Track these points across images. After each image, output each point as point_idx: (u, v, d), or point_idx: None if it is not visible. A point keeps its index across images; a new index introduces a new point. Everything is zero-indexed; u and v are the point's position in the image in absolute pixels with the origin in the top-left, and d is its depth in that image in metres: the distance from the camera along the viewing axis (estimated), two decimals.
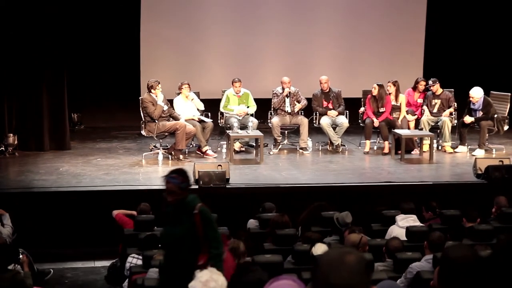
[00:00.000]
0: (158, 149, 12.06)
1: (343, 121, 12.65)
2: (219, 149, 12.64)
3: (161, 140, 12.07)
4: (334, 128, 12.62)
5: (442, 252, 3.29)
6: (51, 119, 12.47)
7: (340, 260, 2.41)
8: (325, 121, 12.59)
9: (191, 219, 5.57)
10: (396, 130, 12.26)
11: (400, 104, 12.85)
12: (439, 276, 3.19)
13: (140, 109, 12.02)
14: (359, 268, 2.40)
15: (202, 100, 12.72)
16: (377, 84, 12.65)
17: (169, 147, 12.10)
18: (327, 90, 12.92)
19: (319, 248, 6.69)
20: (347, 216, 8.04)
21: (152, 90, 11.89)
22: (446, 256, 3.20)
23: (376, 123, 12.53)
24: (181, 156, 11.75)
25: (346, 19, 15.90)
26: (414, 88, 13.23)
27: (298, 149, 12.74)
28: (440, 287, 3.17)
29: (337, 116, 12.74)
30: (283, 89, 12.70)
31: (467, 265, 3.12)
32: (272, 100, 12.89)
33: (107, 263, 8.84)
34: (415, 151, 12.53)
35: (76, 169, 11.13)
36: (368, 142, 12.69)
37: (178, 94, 12.44)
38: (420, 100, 13.13)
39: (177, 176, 5.68)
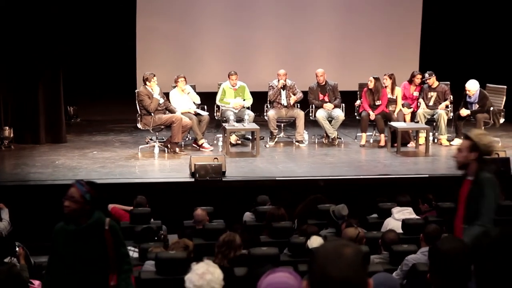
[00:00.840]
0: (154, 142, 12.05)
1: (339, 114, 12.66)
2: (215, 142, 12.64)
3: (157, 133, 12.06)
4: (330, 121, 12.63)
5: (434, 245, 3.30)
6: (47, 112, 12.45)
7: (337, 253, 2.41)
8: (320, 114, 12.59)
9: (100, 237, 4.98)
10: (392, 123, 12.27)
11: (396, 97, 12.86)
12: (430, 268, 3.20)
13: (136, 102, 12.01)
14: (357, 261, 2.40)
15: (198, 93, 12.72)
16: (373, 77, 12.66)
17: (165, 140, 12.10)
18: (323, 83, 12.92)
19: (315, 241, 6.70)
20: (343, 209, 8.06)
21: (147, 83, 11.88)
22: (437, 248, 3.22)
23: (372, 116, 12.54)
24: (177, 149, 11.75)
25: (343, 12, 15.90)
26: (410, 81, 13.24)
27: (294, 142, 12.74)
28: (431, 278, 3.18)
29: (333, 109, 12.75)
30: (279, 81, 12.70)
31: (457, 257, 3.13)
32: (268, 93, 12.89)
33: None
34: (411, 144, 12.54)
35: (72, 162, 11.12)
36: (364, 135, 12.69)
37: (174, 87, 12.43)
38: (416, 93, 13.13)
39: (85, 184, 5.03)
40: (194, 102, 12.45)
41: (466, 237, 5.58)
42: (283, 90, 12.71)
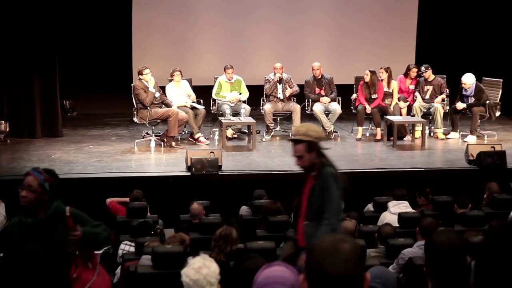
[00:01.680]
0: (151, 136, 12.04)
1: (336, 107, 12.65)
2: (211, 136, 12.63)
3: (153, 127, 12.05)
4: (326, 115, 12.62)
5: (429, 237, 3.31)
6: (43, 106, 12.43)
7: (334, 248, 2.41)
8: (318, 108, 12.58)
9: (62, 226, 4.58)
10: (388, 117, 12.27)
11: (392, 90, 12.86)
12: (425, 261, 3.21)
13: (132, 96, 12.00)
14: (353, 257, 2.40)
15: (194, 87, 12.74)
16: (369, 71, 12.64)
17: (161, 134, 12.09)
18: (319, 77, 12.91)
19: None
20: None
21: (140, 76, 11.88)
22: (432, 241, 3.22)
23: (369, 109, 12.54)
24: (173, 143, 11.75)
25: (339, 5, 15.87)
26: (406, 74, 13.23)
27: (290, 135, 12.73)
28: (427, 271, 3.18)
29: (329, 102, 12.74)
30: (275, 75, 12.69)
31: (452, 249, 3.13)
32: (264, 86, 12.88)
33: (99, 250, 8.82)
34: (407, 138, 12.55)
35: (68, 156, 11.11)
36: (360, 128, 12.69)
37: (170, 81, 12.42)
38: (412, 87, 13.13)
39: (43, 172, 4.63)
40: (189, 96, 12.45)
41: (307, 234, 5.37)
42: (280, 84, 12.71)
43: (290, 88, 12.71)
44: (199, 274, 4.17)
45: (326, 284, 2.37)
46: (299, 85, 12.88)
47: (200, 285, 4.16)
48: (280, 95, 12.72)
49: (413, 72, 13.11)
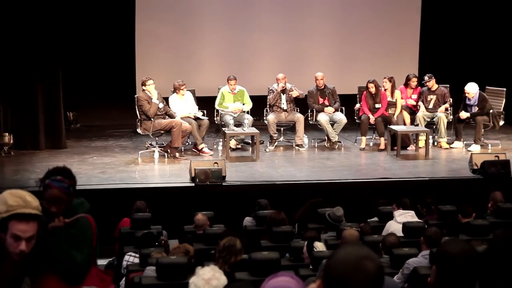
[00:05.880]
0: (154, 147, 12.05)
1: (342, 117, 12.63)
2: (215, 146, 12.63)
3: (157, 138, 12.06)
4: (332, 125, 12.60)
5: (440, 248, 3.26)
6: (47, 117, 12.45)
7: (359, 265, 2.40)
8: (324, 118, 12.54)
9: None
10: (392, 126, 12.26)
11: (396, 100, 12.85)
12: (438, 273, 3.17)
13: (136, 107, 12.01)
14: (376, 277, 2.40)
15: (197, 98, 12.76)
16: (372, 82, 12.61)
17: (165, 145, 12.09)
18: (323, 87, 12.91)
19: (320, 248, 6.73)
20: (338, 210, 8.07)
21: (143, 87, 11.91)
22: (446, 252, 3.17)
23: (372, 119, 12.53)
24: (177, 154, 11.75)
25: (341, 15, 15.88)
26: (406, 85, 13.23)
27: (294, 146, 12.73)
28: (439, 283, 3.15)
29: (333, 112, 12.74)
30: (278, 85, 12.69)
31: (468, 260, 3.10)
32: (268, 97, 12.88)
33: (104, 261, 8.81)
34: (411, 147, 12.54)
35: (72, 168, 10.85)
36: (364, 138, 12.68)
37: (174, 92, 12.43)
38: (414, 96, 13.13)
39: (63, 178, 4.41)
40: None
41: None
42: (283, 94, 12.71)
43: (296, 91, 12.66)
44: (209, 285, 4.17)
45: None
46: None
47: None
48: (284, 106, 12.71)
49: (413, 82, 13.11)
